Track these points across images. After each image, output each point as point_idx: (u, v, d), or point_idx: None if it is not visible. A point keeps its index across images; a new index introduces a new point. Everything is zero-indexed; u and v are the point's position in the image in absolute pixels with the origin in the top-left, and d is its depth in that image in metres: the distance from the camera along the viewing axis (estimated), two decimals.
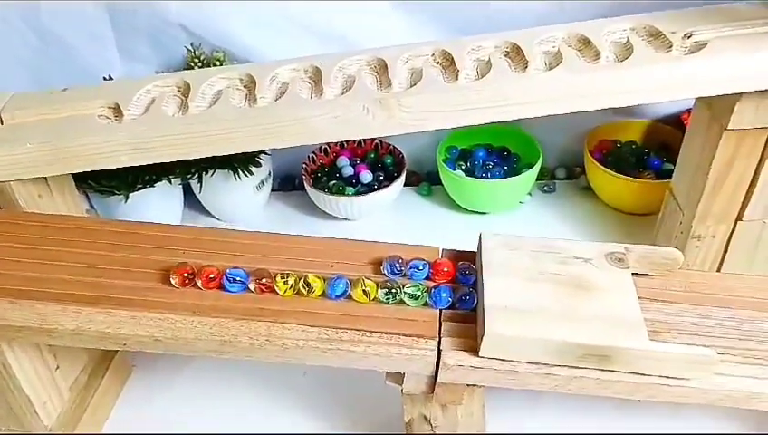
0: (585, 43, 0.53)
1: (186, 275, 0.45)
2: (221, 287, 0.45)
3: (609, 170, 0.74)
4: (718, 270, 0.63)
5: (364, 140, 0.82)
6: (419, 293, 0.46)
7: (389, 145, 0.82)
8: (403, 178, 0.78)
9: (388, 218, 0.80)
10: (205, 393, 0.61)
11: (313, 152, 0.81)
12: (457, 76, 0.52)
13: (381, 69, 0.54)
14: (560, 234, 0.77)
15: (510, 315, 0.42)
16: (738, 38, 0.51)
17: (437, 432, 0.49)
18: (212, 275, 0.45)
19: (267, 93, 0.53)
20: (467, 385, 0.44)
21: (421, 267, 0.47)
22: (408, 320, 0.44)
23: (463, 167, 0.80)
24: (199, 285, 0.45)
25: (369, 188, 0.78)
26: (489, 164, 0.80)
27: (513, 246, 0.47)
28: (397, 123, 0.51)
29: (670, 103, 0.77)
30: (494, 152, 0.82)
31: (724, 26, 0.52)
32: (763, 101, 0.53)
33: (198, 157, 0.53)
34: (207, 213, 0.81)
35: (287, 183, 0.85)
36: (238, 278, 0.45)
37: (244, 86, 0.55)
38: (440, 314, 0.45)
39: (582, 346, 0.40)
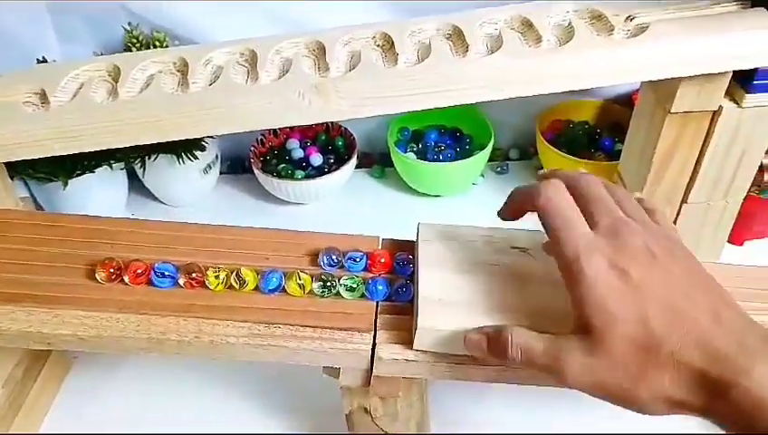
0: (527, 26, 0.52)
1: (112, 270, 0.44)
2: (149, 283, 0.44)
3: (559, 151, 0.73)
4: None
5: None
6: (356, 285, 0.45)
7: (341, 127, 0.80)
8: (354, 161, 0.77)
9: (339, 202, 0.79)
10: (149, 385, 0.60)
11: (262, 134, 0.80)
12: (397, 60, 0.51)
13: (320, 52, 0.53)
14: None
15: (443, 308, 0.41)
16: (679, 21, 0.50)
17: (378, 423, 0.48)
18: (140, 271, 0.44)
19: (200, 78, 0.51)
20: (404, 378, 0.44)
21: (358, 259, 0.46)
22: (343, 313, 0.43)
23: (414, 149, 0.79)
24: (126, 280, 0.44)
25: (320, 172, 0.77)
26: (441, 146, 0.79)
27: (450, 235, 0.46)
28: (334, 110, 0.50)
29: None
30: (446, 133, 0.81)
31: (666, 9, 0.51)
32: (705, 84, 0.52)
33: (129, 145, 0.50)
34: (154, 198, 0.79)
35: (237, 166, 0.83)
36: (167, 273, 0.44)
37: (178, 70, 0.53)
38: (377, 306, 0.44)
39: None
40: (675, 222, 0.62)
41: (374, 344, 0.42)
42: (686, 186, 0.59)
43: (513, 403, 0.59)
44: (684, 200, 0.60)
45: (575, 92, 0.80)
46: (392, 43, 0.52)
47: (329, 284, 0.45)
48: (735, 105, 0.54)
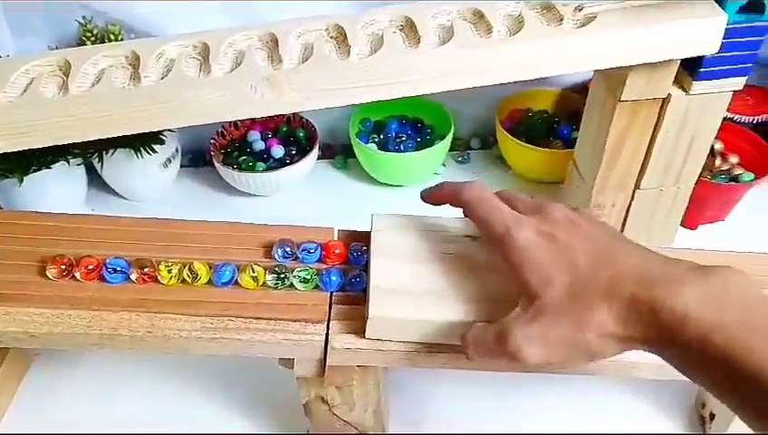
0: (479, 17, 0.52)
1: (63, 266, 0.44)
2: (102, 278, 0.44)
3: (517, 140, 0.74)
4: None
5: None
6: (310, 276, 0.45)
7: (302, 118, 0.80)
8: (316, 152, 0.77)
9: (301, 193, 0.79)
10: (110, 382, 0.60)
11: (223, 127, 0.79)
12: (349, 52, 0.51)
13: (273, 44, 0.53)
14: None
15: (395, 297, 0.41)
16: (627, 11, 0.51)
17: (336, 412, 0.49)
18: (91, 266, 0.44)
19: (152, 72, 0.51)
20: (358, 366, 0.44)
21: (312, 250, 0.47)
22: (296, 304, 0.44)
23: (376, 139, 0.80)
24: (78, 276, 0.44)
25: (281, 163, 0.76)
26: (402, 136, 0.79)
27: (403, 225, 0.47)
28: (287, 102, 0.50)
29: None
30: (407, 124, 0.82)
31: None
32: (654, 73, 0.54)
33: (81, 140, 0.50)
34: (115, 193, 0.78)
35: (198, 159, 0.83)
36: (119, 268, 0.44)
37: (130, 64, 0.53)
38: (330, 297, 0.45)
39: (466, 325, 0.40)
40: (628, 208, 0.63)
41: (327, 334, 0.42)
42: (639, 172, 0.60)
43: (471, 387, 0.59)
44: (636, 186, 0.61)
45: (533, 82, 0.80)
46: (345, 34, 0.52)
47: (282, 275, 0.45)
48: (684, 92, 0.55)
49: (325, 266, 0.46)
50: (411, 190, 0.80)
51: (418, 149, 0.76)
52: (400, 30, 0.53)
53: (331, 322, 0.43)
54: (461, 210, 0.43)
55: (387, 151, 0.77)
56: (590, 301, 0.34)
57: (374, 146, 0.78)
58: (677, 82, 0.55)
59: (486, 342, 0.37)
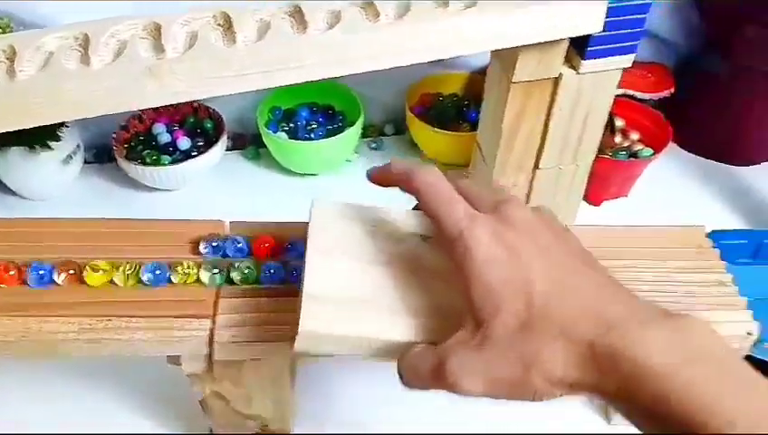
0: (368, 3, 0.52)
1: None
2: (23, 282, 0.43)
3: (424, 124, 0.74)
4: None
5: (181, 103, 0.79)
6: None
7: (209, 108, 0.79)
8: (223, 143, 0.76)
9: (212, 185, 0.77)
10: (6, 384, 0.58)
11: (126, 120, 0.77)
12: (236, 39, 0.50)
13: (157, 34, 0.51)
14: (388, 192, 0.77)
15: (332, 307, 0.35)
16: None
17: (234, 407, 0.48)
18: (12, 272, 0.42)
19: (28, 66, 0.49)
20: (251, 359, 0.44)
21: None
22: (182, 301, 0.43)
23: (286, 128, 0.79)
24: None
25: (188, 156, 0.75)
26: (313, 124, 0.79)
27: (347, 217, 0.40)
28: (170, 92, 0.49)
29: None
30: (318, 111, 0.81)
31: None
32: (544, 53, 0.54)
33: None
34: (13, 193, 0.75)
35: (103, 154, 0.80)
36: (42, 271, 0.43)
37: (7, 58, 0.50)
38: (218, 291, 0.44)
39: (410, 345, 0.35)
40: (530, 187, 0.64)
41: (212, 329, 0.42)
42: (537, 152, 0.61)
43: (383, 370, 0.60)
44: (536, 166, 0.62)
45: (443, 65, 0.81)
46: (232, 22, 0.51)
47: (213, 271, 0.44)
48: (574, 72, 0.56)
49: (227, 261, 0.46)
50: (325, 179, 0.79)
51: (330, 137, 0.76)
52: (289, 16, 0.52)
53: (217, 316, 0.42)
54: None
55: (297, 140, 0.76)
56: (541, 339, 0.31)
57: (284, 135, 0.77)
58: (568, 61, 0.56)
59: (423, 372, 0.33)
